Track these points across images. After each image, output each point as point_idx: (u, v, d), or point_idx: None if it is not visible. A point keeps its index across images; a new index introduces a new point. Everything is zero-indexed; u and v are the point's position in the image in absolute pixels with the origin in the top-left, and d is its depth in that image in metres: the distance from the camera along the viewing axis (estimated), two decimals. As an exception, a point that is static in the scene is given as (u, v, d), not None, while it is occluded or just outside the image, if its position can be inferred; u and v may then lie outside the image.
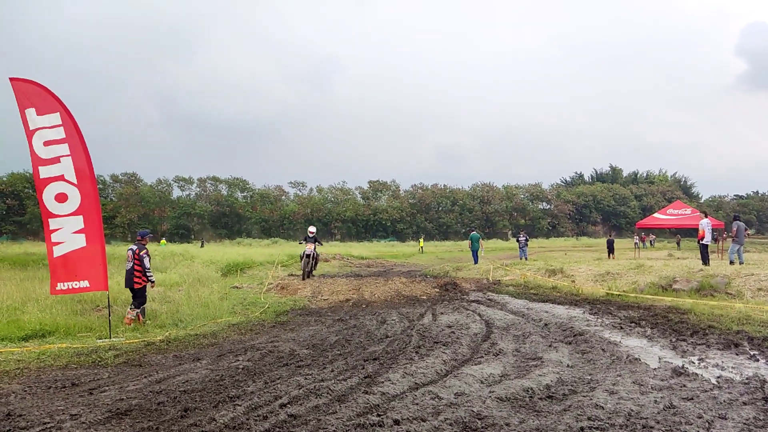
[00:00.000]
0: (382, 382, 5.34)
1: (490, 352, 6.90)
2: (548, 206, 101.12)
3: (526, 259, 26.39)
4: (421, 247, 49.01)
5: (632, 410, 4.44)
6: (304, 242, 18.81)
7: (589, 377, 5.60)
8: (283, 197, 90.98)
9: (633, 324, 8.90)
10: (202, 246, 48.03)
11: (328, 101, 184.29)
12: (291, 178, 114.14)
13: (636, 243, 36.91)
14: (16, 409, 4.72)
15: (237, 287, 15.81)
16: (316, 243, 18.95)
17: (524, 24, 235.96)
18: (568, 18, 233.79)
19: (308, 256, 18.32)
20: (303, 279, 17.80)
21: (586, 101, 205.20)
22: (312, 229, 19.01)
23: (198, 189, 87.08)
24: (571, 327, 8.60)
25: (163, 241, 57.01)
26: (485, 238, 74.65)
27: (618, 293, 12.78)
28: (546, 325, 8.98)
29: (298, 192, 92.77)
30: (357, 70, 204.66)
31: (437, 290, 14.65)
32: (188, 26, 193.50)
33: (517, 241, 28.58)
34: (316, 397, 4.84)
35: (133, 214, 74.94)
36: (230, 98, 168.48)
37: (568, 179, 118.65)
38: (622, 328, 8.63)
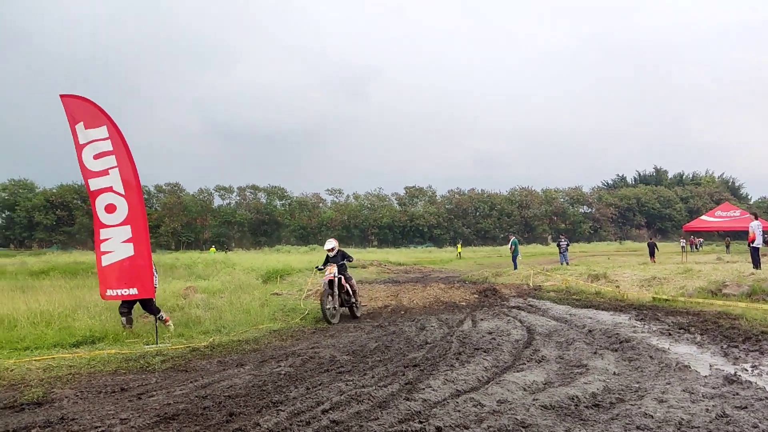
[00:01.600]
0: (423, 389, 5.31)
1: (533, 359, 6.78)
2: (589, 210, 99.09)
3: (567, 263, 25.88)
4: (459, 253, 48.71)
5: (683, 419, 4.29)
6: (323, 268, 12.02)
7: (637, 385, 5.44)
8: (321, 204, 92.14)
9: (682, 330, 8.60)
10: (226, 252, 49.21)
11: (364, 109, 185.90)
12: (328, 185, 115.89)
13: (683, 246, 35.66)
14: (69, 413, 4.90)
15: (277, 294, 16.04)
16: (345, 261, 12.12)
17: (561, 24, 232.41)
18: (606, 17, 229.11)
19: (330, 283, 11.42)
20: (328, 323, 10.99)
21: (627, 102, 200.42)
22: (330, 244, 12.17)
23: (238, 198, 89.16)
24: (617, 333, 8.37)
25: (213, 248, 58.68)
26: (524, 242, 73.62)
27: (665, 298, 12.39)
28: (590, 331, 8.78)
29: (335, 199, 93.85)
30: (392, 78, 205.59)
31: (476, 296, 14.51)
32: (228, 40, 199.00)
33: (558, 245, 28.09)
34: (358, 403, 4.86)
35: (177, 223, 77.09)
36: (268, 109, 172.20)
37: (609, 182, 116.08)
38: (670, 334, 8.36)
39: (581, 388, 5.27)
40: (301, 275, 23.61)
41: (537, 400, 4.91)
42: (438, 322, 10.27)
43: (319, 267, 12.24)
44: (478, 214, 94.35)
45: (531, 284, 17.61)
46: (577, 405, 4.81)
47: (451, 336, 8.66)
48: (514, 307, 12.30)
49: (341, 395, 5.16)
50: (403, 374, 6.06)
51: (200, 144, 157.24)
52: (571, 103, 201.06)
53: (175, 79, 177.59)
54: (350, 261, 12.34)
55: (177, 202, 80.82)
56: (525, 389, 5.38)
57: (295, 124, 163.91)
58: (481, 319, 10.49)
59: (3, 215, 79.89)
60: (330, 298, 11.28)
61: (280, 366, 6.77)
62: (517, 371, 6.17)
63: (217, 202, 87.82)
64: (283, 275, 23.40)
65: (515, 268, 23.87)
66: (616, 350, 7.21)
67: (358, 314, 12.16)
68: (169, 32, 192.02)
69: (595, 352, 7.11)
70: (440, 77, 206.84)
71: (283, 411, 4.68)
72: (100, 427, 4.46)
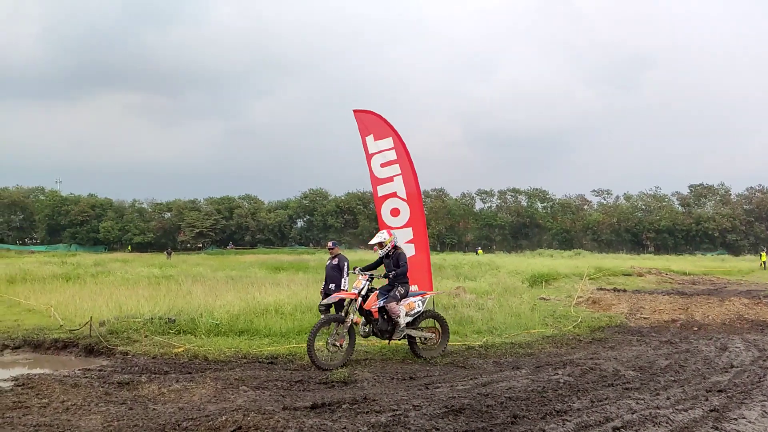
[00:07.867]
0: (735, 419, 4.59)
1: None
2: None
3: None
4: (764, 262, 40.51)
5: None
6: (355, 272, 8.12)
7: None
8: (586, 207, 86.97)
9: None
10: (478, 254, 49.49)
11: (636, 101, 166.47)
12: (594, 186, 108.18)
13: None
14: (369, 394, 5.56)
15: (544, 299, 15.66)
16: (391, 271, 7.84)
17: None
18: None
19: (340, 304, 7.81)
20: (314, 365, 7.03)
21: None
22: (378, 237, 8.16)
23: (498, 201, 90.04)
24: None
25: (480, 251, 61.57)
26: None
27: None
28: None
29: (602, 200, 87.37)
30: (671, 64, 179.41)
31: (795, 315, 11.85)
32: (487, 48, 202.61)
33: None
34: (654, 426, 4.42)
35: (442, 226, 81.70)
36: (529, 110, 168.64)
37: None
38: None
39: None
40: (567, 281, 22.66)
41: None
42: (744, 343, 8.72)
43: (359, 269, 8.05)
44: (788, 215, 77.25)
45: None
46: None
47: (765, 361, 7.27)
48: None
49: (632, 414, 4.76)
50: (706, 399, 5.31)
51: (462, 150, 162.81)
52: None
53: (440, 91, 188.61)
54: (401, 271, 7.82)
55: (442, 206, 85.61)
56: None
57: (557, 124, 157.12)
58: (807, 345, 8.54)
59: (304, 219, 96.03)
60: (339, 325, 7.30)
61: (558, 374, 6.58)
62: None
63: (479, 205, 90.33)
64: (549, 280, 22.75)
65: None
66: None
67: (427, 355, 7.84)
68: (434, 50, 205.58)
69: None
70: (732, 56, 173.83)
71: (569, 421, 4.53)
72: (396, 410, 4.94)
